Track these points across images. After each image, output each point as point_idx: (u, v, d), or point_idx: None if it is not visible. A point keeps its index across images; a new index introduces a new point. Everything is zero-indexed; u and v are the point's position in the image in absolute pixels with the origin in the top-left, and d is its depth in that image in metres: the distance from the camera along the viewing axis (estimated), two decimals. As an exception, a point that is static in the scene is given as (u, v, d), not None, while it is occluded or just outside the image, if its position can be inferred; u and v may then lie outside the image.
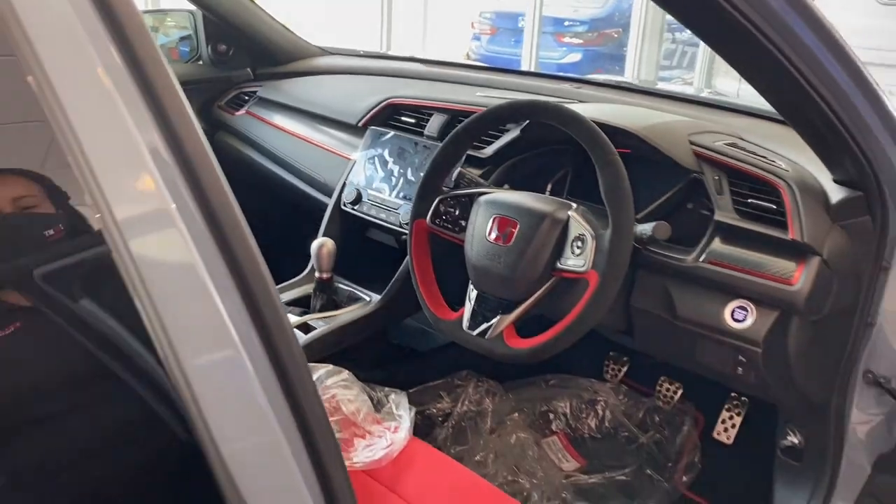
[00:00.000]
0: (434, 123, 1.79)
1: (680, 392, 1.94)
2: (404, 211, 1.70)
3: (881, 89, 1.19)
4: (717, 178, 1.34)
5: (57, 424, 0.42)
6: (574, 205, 1.34)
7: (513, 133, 1.61)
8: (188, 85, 1.86)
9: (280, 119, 2.20)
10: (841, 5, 4.78)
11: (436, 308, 1.45)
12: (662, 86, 3.51)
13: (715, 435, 1.86)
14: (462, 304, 1.43)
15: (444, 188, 1.51)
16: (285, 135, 2.15)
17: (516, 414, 1.93)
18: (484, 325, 1.36)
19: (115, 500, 0.44)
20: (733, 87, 4.19)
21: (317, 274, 1.69)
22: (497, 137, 1.64)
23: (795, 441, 1.53)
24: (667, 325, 1.39)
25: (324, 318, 1.65)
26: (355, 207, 1.82)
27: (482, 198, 1.42)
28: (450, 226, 1.47)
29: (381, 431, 1.38)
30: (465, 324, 1.39)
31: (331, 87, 2.21)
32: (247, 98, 2.34)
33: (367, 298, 1.75)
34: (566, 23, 8.06)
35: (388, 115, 1.91)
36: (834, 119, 1.13)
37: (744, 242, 1.29)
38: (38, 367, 0.44)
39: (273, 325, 0.44)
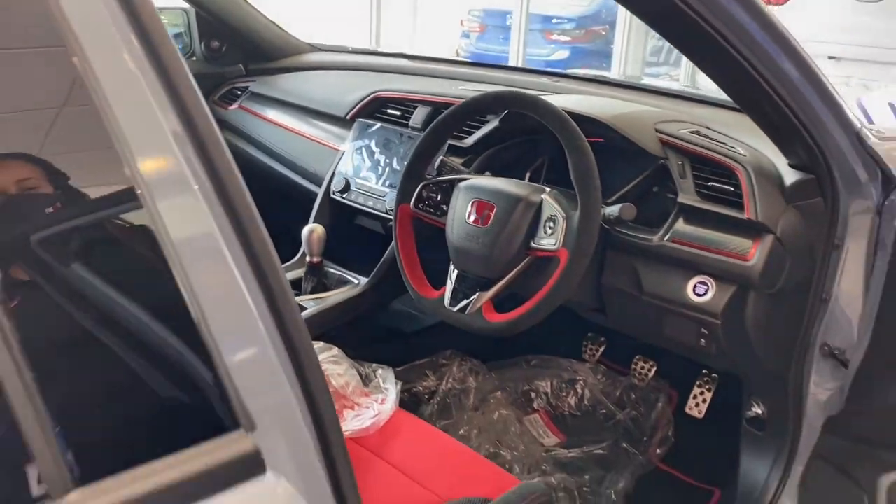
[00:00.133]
0: (418, 115, 1.88)
1: (654, 370, 2.04)
2: (390, 198, 1.79)
3: (829, 81, 1.29)
4: (680, 163, 1.44)
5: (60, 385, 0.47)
6: (547, 189, 1.44)
7: (492, 124, 1.70)
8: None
9: (271, 113, 2.29)
10: (820, 3, 4.90)
11: (419, 287, 1.54)
12: (647, 81, 3.61)
13: (687, 410, 1.96)
14: (444, 282, 1.52)
15: (426, 175, 1.60)
16: (277, 128, 2.24)
17: (499, 392, 2.03)
18: (464, 302, 1.45)
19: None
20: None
21: (307, 258, 1.78)
22: (478, 128, 1.73)
23: (759, 412, 1.63)
24: (635, 301, 1.49)
25: (314, 299, 1.74)
26: (344, 196, 1.91)
27: (462, 183, 1.51)
28: (432, 210, 1.56)
29: (368, 403, 1.47)
30: (447, 301, 1.48)
31: (320, 81, 2.29)
32: (239, 93, 2.43)
33: (356, 281, 1.84)
34: (554, 20, 8.15)
35: (375, 108, 2.00)
36: (785, 108, 1.23)
37: (704, 222, 1.39)
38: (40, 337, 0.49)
39: (274, 282, 0.52)
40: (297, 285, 1.81)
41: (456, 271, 1.49)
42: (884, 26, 4.55)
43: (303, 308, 1.71)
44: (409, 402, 1.92)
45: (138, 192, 0.46)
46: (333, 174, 1.96)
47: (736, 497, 1.64)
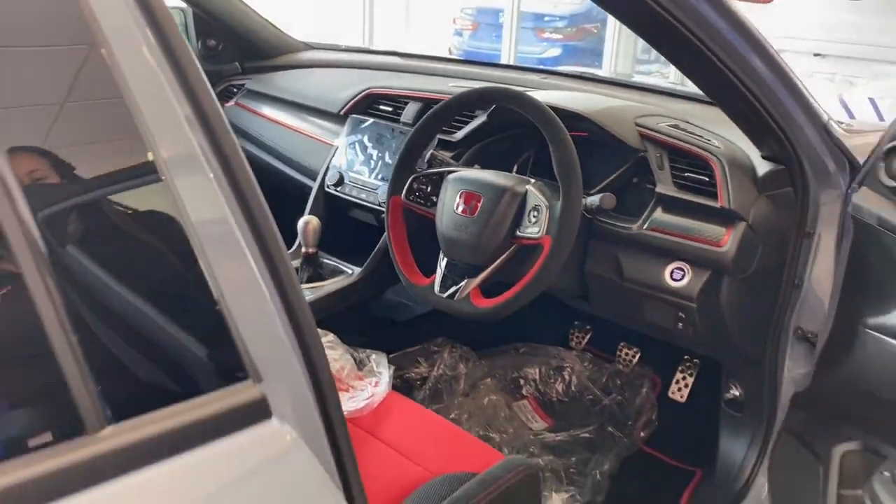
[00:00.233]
0: (409, 111, 1.95)
1: (638, 356, 2.11)
2: (383, 191, 1.86)
3: (798, 77, 1.36)
4: (658, 155, 1.51)
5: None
6: (532, 180, 1.51)
7: (480, 119, 1.76)
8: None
9: (267, 109, 2.35)
10: (806, 1, 4.97)
11: (410, 274, 1.61)
12: (635, 78, 3.67)
13: (670, 394, 2.04)
14: (434, 270, 1.59)
15: (417, 168, 1.67)
16: (272, 124, 2.30)
17: (489, 379, 2.10)
18: (453, 288, 1.52)
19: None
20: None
21: (303, 249, 1.85)
22: (466, 123, 1.80)
23: (737, 394, 1.70)
24: (617, 287, 1.56)
25: (310, 288, 1.81)
26: (338, 189, 1.97)
27: (451, 175, 1.58)
28: (422, 201, 1.63)
29: (363, 386, 1.54)
30: (437, 288, 1.55)
31: (314, 79, 2.36)
32: (235, 90, 2.49)
33: (350, 271, 1.90)
34: (546, 18, 8.22)
35: (368, 104, 2.07)
36: (755, 103, 1.30)
37: (681, 211, 1.46)
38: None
39: (277, 259, 0.59)
40: (293, 275, 1.88)
41: (445, 259, 1.56)
42: (868, 23, 4.63)
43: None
44: (402, 387, 1.98)
45: (162, 177, 0.53)
46: (328, 168, 2.02)
47: (715, 476, 1.72)
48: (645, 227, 1.49)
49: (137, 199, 0.53)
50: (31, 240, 0.46)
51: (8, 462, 0.44)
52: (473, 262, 1.50)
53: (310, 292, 1.79)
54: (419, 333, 2.10)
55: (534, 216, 1.44)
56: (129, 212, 0.54)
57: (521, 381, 2.15)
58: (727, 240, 1.40)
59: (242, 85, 2.47)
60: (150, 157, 0.52)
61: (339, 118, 2.10)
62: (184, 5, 2.44)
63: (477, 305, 1.48)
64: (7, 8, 0.50)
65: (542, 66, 2.50)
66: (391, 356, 1.92)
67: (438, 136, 1.72)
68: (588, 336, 2.21)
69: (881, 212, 1.23)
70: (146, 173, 0.52)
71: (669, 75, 7.71)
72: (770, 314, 1.47)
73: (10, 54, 0.50)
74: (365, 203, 1.91)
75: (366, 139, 1.98)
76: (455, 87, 2.01)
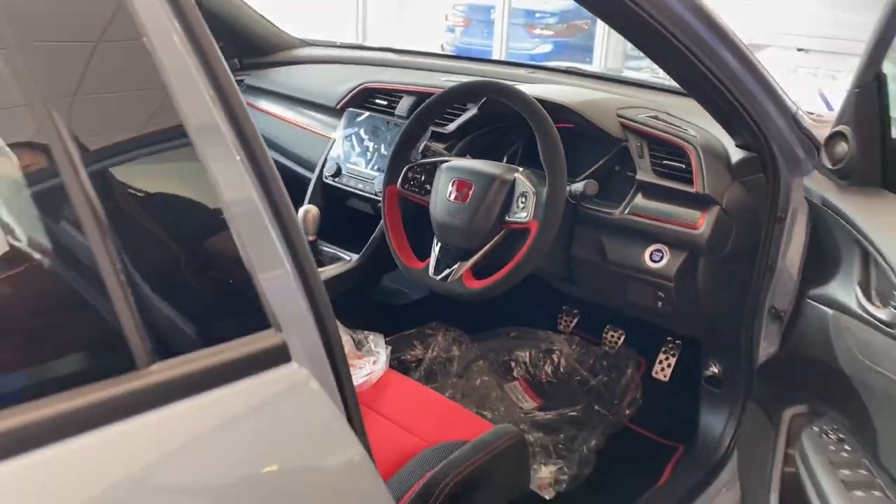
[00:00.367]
0: (404, 105, 2.03)
1: (623, 339, 2.21)
2: (379, 181, 1.95)
3: (767, 71, 1.45)
4: (639, 144, 1.61)
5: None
6: (520, 168, 1.60)
7: (471, 111, 1.86)
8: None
9: (266, 104, 2.43)
10: (793, -4, 5.07)
11: (406, 259, 1.71)
12: (626, 73, 3.77)
13: (653, 374, 2.13)
14: (428, 255, 1.68)
15: (411, 159, 1.76)
16: (271, 118, 2.39)
17: (481, 361, 2.19)
18: (446, 271, 1.61)
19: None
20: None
21: (303, 237, 1.93)
22: (458, 115, 1.89)
23: (716, 371, 1.80)
24: (601, 269, 1.65)
25: (310, 274, 1.89)
26: (336, 180, 2.06)
27: (443, 165, 1.67)
28: (417, 190, 1.72)
29: (361, 364, 1.63)
30: (431, 271, 1.64)
31: (312, 74, 2.44)
32: (235, 86, 2.56)
33: (348, 258, 1.99)
34: (537, 14, 8.30)
35: (363, 98, 2.15)
36: (728, 95, 1.39)
37: (659, 197, 1.56)
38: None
39: (292, 229, 0.68)
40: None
41: (439, 244, 1.65)
42: (850, 19, 4.74)
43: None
44: (398, 368, 2.07)
45: (198, 156, 0.62)
46: (325, 160, 2.11)
47: (696, 450, 1.81)
48: (626, 212, 1.58)
49: (176, 171, 0.62)
50: (92, 203, 0.55)
51: (75, 390, 0.53)
52: (465, 246, 1.59)
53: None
54: (414, 317, 2.19)
55: (522, 202, 1.53)
56: (171, 183, 0.63)
57: (512, 364, 2.24)
58: (702, 223, 1.49)
59: (241, 81, 2.54)
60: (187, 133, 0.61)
61: (335, 112, 2.19)
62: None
63: (469, 286, 1.57)
64: (69, 9, 0.59)
65: (529, 62, 2.59)
66: (388, 339, 2.02)
67: (431, 128, 1.81)
68: (575, 320, 2.31)
69: (824, 193, 1.32)
70: (184, 145, 0.60)
71: (660, 71, 7.82)
72: (743, 293, 1.57)
73: (71, 47, 0.59)
74: (362, 193, 2.00)
75: (362, 132, 2.07)
76: (447, 81, 2.10)
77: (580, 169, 1.67)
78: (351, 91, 2.16)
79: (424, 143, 1.80)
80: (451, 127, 1.88)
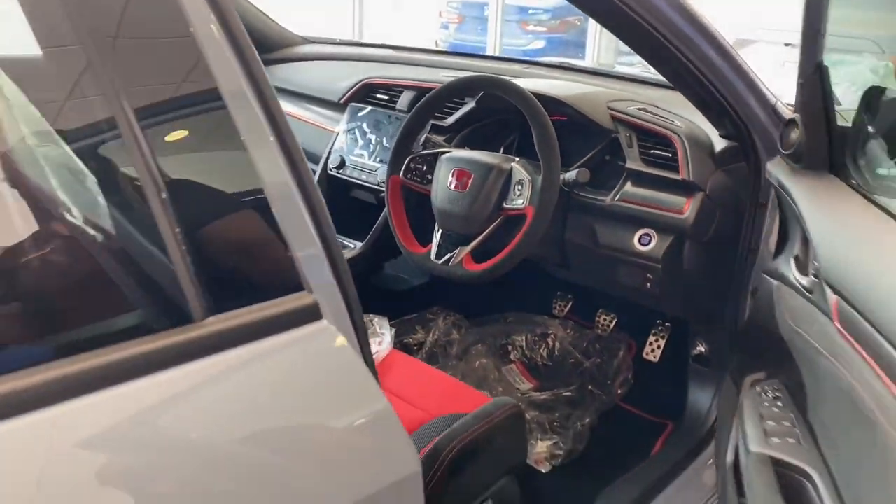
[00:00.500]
0: (404, 99, 2.13)
1: (615, 322, 2.31)
2: (381, 172, 2.04)
3: (748, 65, 1.55)
4: (628, 135, 1.71)
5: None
6: (516, 158, 1.70)
7: (469, 105, 1.95)
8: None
9: (270, 100, 2.51)
10: (779, -8, 5.16)
11: (409, 245, 1.80)
12: (618, 69, 3.87)
13: (644, 355, 2.23)
14: (430, 241, 1.77)
15: (413, 150, 1.85)
16: (276, 113, 2.47)
17: (480, 345, 2.29)
18: (448, 256, 1.71)
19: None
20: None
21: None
22: (457, 109, 1.98)
23: (702, 350, 1.90)
24: (593, 253, 1.75)
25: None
26: (340, 171, 2.16)
27: (444, 156, 1.77)
28: (418, 179, 1.81)
29: (367, 344, 1.72)
30: (433, 255, 1.74)
31: (314, 71, 2.53)
32: (239, 82, 2.65)
33: (352, 245, 2.09)
34: (530, 11, 8.39)
35: (365, 93, 2.25)
36: (711, 88, 1.49)
37: (647, 184, 1.65)
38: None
39: (318, 209, 0.78)
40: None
41: (440, 230, 1.74)
42: (836, 15, 4.85)
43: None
44: (401, 351, 2.17)
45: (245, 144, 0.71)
46: (329, 152, 2.20)
47: (684, 426, 1.91)
48: (616, 199, 1.68)
49: (226, 156, 0.72)
50: (157, 179, 0.64)
51: (145, 338, 0.63)
52: (465, 232, 1.69)
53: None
54: (416, 303, 2.28)
55: (518, 189, 1.62)
56: (222, 168, 0.73)
57: (509, 347, 2.34)
58: (687, 208, 1.59)
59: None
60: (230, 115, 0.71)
61: (339, 106, 2.28)
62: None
63: (469, 270, 1.67)
64: (131, 10, 0.68)
65: (523, 58, 2.69)
66: (390, 323, 2.11)
67: (432, 121, 1.90)
68: (569, 305, 2.41)
69: (780, 175, 1.42)
70: (233, 136, 0.70)
71: (650, 68, 7.92)
72: (725, 274, 1.66)
73: (132, 40, 0.68)
74: (365, 183, 2.09)
75: (364, 125, 2.16)
76: (445, 76, 2.19)
77: (573, 159, 1.77)
78: (353, 86, 2.25)
79: (425, 135, 1.90)
80: (450, 120, 1.98)
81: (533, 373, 2.31)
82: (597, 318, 2.33)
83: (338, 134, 2.22)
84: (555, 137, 1.59)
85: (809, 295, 1.19)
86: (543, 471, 1.93)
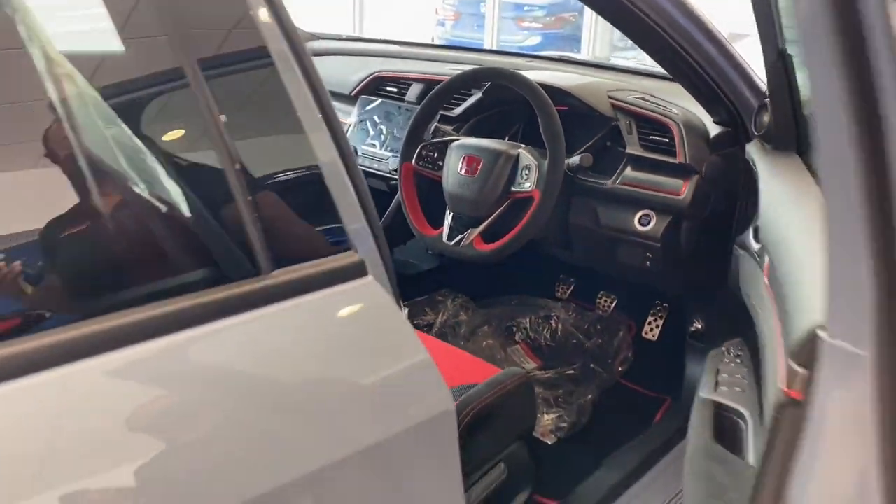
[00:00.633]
0: (413, 91, 2.23)
1: (615, 304, 2.42)
2: (392, 161, 2.15)
3: (741, 56, 1.66)
4: (628, 122, 1.81)
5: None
6: (523, 145, 1.80)
7: (476, 96, 2.05)
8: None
9: (282, 93, 2.61)
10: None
11: (422, 228, 1.90)
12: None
13: (643, 334, 2.34)
14: (440, 224, 1.88)
15: (424, 138, 1.96)
16: (287, 106, 2.56)
17: (486, 326, 2.39)
18: (459, 237, 1.81)
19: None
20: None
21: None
22: (464, 100, 2.09)
23: (699, 326, 2.01)
24: (595, 234, 1.86)
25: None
26: (352, 161, 2.25)
27: (454, 143, 1.87)
28: (430, 166, 1.92)
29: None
30: (445, 237, 1.84)
31: (324, 65, 2.59)
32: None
33: (365, 231, 2.19)
34: (525, 7, 8.49)
35: (375, 86, 2.35)
36: (706, 77, 1.60)
37: (646, 168, 1.76)
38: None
39: (359, 184, 0.88)
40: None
41: (451, 213, 1.85)
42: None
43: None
44: (412, 331, 2.27)
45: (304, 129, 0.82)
46: (342, 143, 2.30)
47: (682, 400, 2.02)
48: (617, 183, 1.79)
49: (288, 139, 0.83)
50: (234, 156, 0.75)
51: (223, 286, 0.73)
52: (475, 215, 1.79)
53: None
54: (425, 286, 2.39)
55: (525, 173, 1.73)
56: (285, 148, 0.84)
57: (515, 329, 2.44)
58: (684, 190, 1.70)
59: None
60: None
61: (350, 99, 2.38)
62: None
63: (480, 250, 1.77)
64: (212, 11, 0.79)
65: (526, 52, 2.79)
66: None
67: (441, 111, 2.01)
68: (571, 288, 2.52)
69: (754, 155, 1.53)
70: (297, 130, 0.81)
71: (645, 60, 8.03)
72: (720, 252, 1.76)
73: (210, 35, 0.78)
74: (376, 172, 2.20)
75: (375, 117, 2.26)
76: (451, 70, 2.29)
77: (576, 145, 1.87)
78: (364, 79, 2.35)
79: (435, 125, 2.00)
80: (458, 110, 2.08)
81: (537, 353, 2.41)
82: (598, 300, 2.44)
83: (349, 125, 2.31)
84: (560, 124, 1.70)
85: (758, 259, 1.30)
86: (549, 442, 2.03)
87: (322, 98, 0.84)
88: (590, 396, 2.18)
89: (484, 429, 1.43)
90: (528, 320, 2.46)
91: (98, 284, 0.70)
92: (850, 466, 0.73)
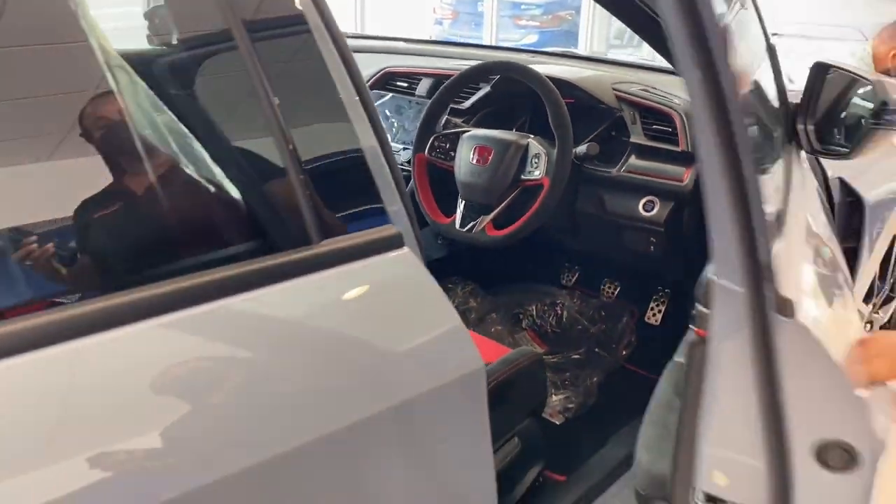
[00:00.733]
0: (423, 86, 2.31)
1: (618, 290, 2.50)
2: (403, 153, 2.22)
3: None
4: (632, 113, 1.89)
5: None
6: (532, 135, 1.88)
7: (485, 90, 2.13)
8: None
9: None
10: (767, -16, 5.36)
11: (435, 216, 1.98)
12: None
13: (646, 320, 2.42)
14: (453, 212, 1.96)
15: (436, 130, 2.03)
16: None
17: (494, 313, 2.47)
18: (471, 224, 1.89)
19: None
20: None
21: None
22: (473, 93, 2.16)
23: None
24: (601, 220, 1.94)
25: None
26: (364, 153, 2.33)
27: (465, 134, 1.95)
28: (442, 156, 2.00)
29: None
30: (458, 224, 1.92)
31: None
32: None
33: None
34: (522, 6, 8.58)
35: (386, 81, 2.42)
36: None
37: (650, 156, 1.84)
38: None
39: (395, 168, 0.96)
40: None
41: (463, 201, 1.93)
42: (818, 5, 5.08)
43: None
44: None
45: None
46: (353, 136, 2.37)
47: (685, 381, 2.10)
48: (622, 171, 1.87)
49: (333, 127, 0.92)
50: (289, 139, 0.83)
51: (279, 254, 0.81)
52: (487, 202, 1.87)
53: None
54: (435, 274, 2.45)
55: (535, 162, 1.81)
56: (331, 134, 0.92)
57: (521, 315, 2.51)
58: (686, 177, 1.78)
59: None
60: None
61: (360, 94, 2.45)
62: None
63: (492, 235, 1.85)
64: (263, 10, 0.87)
65: (529, 48, 2.87)
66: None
67: (451, 104, 2.08)
68: (576, 276, 2.60)
69: None
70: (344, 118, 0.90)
71: (642, 58, 8.14)
72: None
73: (263, 25, 0.87)
74: (388, 164, 2.27)
75: (386, 110, 2.34)
76: (459, 65, 2.37)
77: (582, 136, 1.95)
78: (374, 75, 2.43)
79: (445, 117, 2.08)
80: (467, 103, 2.16)
81: (543, 339, 2.49)
82: (602, 288, 2.52)
83: (360, 119, 2.39)
84: (567, 115, 1.78)
85: None
86: (557, 422, 2.11)
87: (364, 95, 0.92)
88: (595, 379, 2.26)
89: (499, 403, 1.50)
90: (534, 307, 2.53)
91: (174, 253, 0.78)
92: (739, 396, 0.90)
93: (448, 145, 1.99)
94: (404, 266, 0.91)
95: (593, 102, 1.93)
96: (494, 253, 1.94)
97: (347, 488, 0.81)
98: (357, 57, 2.54)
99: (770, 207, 0.96)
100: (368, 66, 2.48)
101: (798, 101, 1.64)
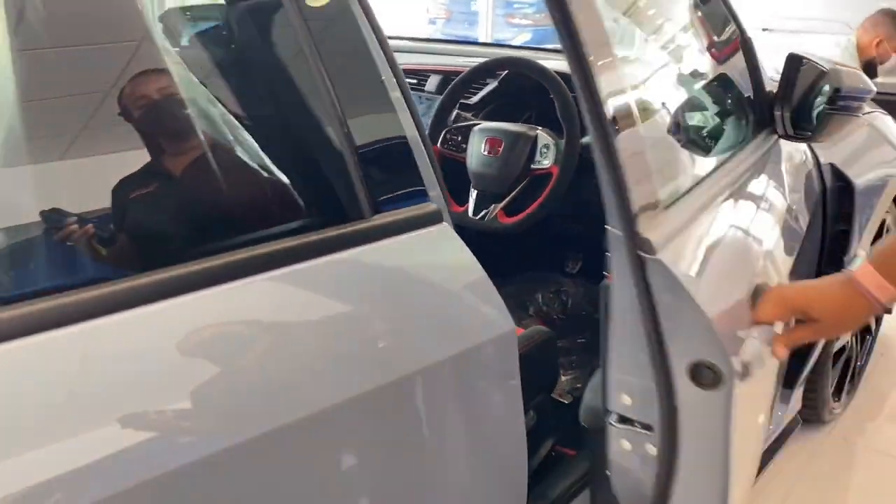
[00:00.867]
0: (432, 82, 2.40)
1: (622, 277, 2.60)
2: (414, 147, 2.31)
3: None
4: (634, 104, 1.99)
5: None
6: (540, 127, 1.98)
7: (492, 85, 2.23)
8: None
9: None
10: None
11: (448, 205, 2.07)
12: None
13: (649, 304, 2.52)
14: (465, 202, 2.05)
15: (448, 123, 2.13)
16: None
17: (501, 301, 2.56)
18: (483, 212, 1.99)
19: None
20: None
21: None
22: (481, 89, 2.26)
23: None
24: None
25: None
26: (375, 147, 2.42)
27: (476, 127, 2.05)
28: (454, 148, 2.09)
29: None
30: (471, 213, 2.01)
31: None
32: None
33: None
34: (515, 4, 8.67)
35: (395, 78, 2.51)
36: None
37: None
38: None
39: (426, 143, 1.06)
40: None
41: (475, 191, 2.02)
42: (811, 1, 5.22)
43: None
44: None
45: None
46: (365, 132, 2.47)
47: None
48: (627, 159, 1.96)
49: (381, 117, 1.02)
50: (347, 125, 0.93)
51: (338, 226, 0.90)
52: (498, 191, 1.97)
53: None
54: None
55: (544, 151, 1.91)
56: (378, 121, 1.02)
57: (528, 303, 2.61)
58: (688, 164, 1.88)
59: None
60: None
61: (370, 91, 2.54)
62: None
63: (504, 222, 1.95)
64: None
65: (530, 45, 2.97)
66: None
67: (460, 99, 2.18)
68: (580, 264, 2.70)
69: None
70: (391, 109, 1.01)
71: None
72: None
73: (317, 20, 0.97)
74: (400, 157, 2.36)
75: (397, 106, 2.42)
76: (465, 62, 2.47)
77: (584, 129, 2.05)
78: (384, 72, 2.51)
79: (455, 111, 2.17)
80: (475, 98, 2.26)
81: (550, 325, 2.57)
82: (605, 275, 2.61)
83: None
84: (575, 107, 1.88)
85: None
86: (566, 402, 2.20)
87: (405, 91, 1.02)
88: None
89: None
90: (540, 295, 2.63)
91: (252, 225, 0.88)
92: (631, 325, 1.07)
93: (459, 138, 2.08)
94: (444, 239, 1.01)
95: (598, 95, 2.02)
96: (502, 243, 2.03)
97: (395, 437, 0.91)
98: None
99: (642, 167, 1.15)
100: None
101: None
